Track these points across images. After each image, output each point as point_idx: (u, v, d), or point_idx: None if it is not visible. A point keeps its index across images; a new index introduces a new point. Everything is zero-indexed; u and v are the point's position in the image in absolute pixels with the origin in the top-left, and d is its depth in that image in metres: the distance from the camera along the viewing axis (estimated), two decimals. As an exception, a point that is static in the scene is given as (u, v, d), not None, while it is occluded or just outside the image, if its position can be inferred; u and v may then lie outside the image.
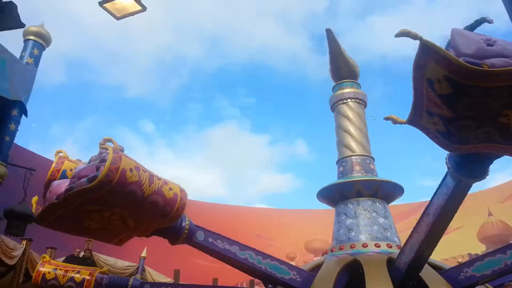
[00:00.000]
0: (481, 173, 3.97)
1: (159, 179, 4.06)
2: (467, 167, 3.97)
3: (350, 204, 7.45)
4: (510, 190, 25.79)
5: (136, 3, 5.67)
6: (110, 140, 3.85)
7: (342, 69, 8.59)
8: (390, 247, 6.65)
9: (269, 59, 59.37)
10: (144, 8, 5.74)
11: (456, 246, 22.01)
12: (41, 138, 50.88)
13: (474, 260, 5.59)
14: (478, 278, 5.34)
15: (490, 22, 4.17)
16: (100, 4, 5.59)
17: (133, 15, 5.81)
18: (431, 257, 5.61)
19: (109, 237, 4.53)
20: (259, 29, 54.38)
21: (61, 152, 5.31)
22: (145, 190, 3.77)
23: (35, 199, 5.06)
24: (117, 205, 3.87)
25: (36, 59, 7.27)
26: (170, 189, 4.11)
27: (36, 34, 7.34)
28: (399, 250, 6.57)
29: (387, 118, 3.91)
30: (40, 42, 7.38)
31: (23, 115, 6.90)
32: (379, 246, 6.61)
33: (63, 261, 8.92)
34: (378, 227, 7.02)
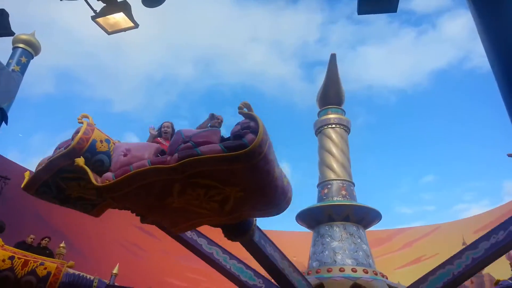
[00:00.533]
0: None
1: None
2: None
3: (322, 229, 7.52)
4: (483, 221, 26.39)
5: (128, 20, 5.71)
6: (86, 116, 4.09)
7: (331, 95, 8.79)
8: (355, 271, 6.70)
9: (259, 84, 60.45)
10: (136, 25, 5.78)
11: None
12: (21, 147, 49.96)
13: (427, 275, 5.75)
14: None
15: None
16: (93, 18, 5.62)
17: (125, 31, 5.84)
18: (404, 283, 5.72)
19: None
20: (252, 54, 55.58)
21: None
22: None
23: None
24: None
25: (23, 67, 7.19)
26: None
27: (25, 42, 7.29)
28: (364, 274, 6.65)
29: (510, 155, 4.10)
30: (29, 50, 7.31)
31: (3, 123, 6.77)
32: (343, 271, 6.68)
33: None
34: (347, 251, 7.08)
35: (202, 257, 5.97)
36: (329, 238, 7.16)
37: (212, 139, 3.64)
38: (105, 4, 5.58)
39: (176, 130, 4.34)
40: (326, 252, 6.98)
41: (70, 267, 5.70)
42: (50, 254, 10.02)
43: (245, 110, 3.74)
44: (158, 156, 3.94)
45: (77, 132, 3.90)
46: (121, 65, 54.31)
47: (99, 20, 5.66)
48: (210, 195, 3.74)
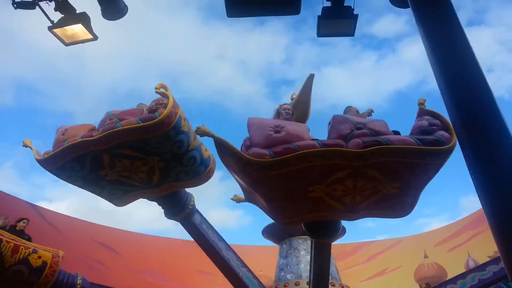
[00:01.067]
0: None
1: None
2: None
3: (295, 242, 7.53)
4: (443, 235, 27.37)
5: (87, 31, 5.59)
6: (164, 86, 3.74)
7: (298, 114, 8.89)
8: (333, 285, 6.76)
9: (226, 101, 60.73)
10: (95, 38, 5.67)
11: (394, 286, 22.67)
12: None
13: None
14: None
15: None
16: (50, 29, 5.48)
17: (83, 43, 5.71)
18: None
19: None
20: (218, 72, 55.94)
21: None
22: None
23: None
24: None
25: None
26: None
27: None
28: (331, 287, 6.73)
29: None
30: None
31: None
32: (298, 284, 6.73)
33: None
34: (306, 264, 7.13)
35: (217, 262, 5.87)
36: (303, 251, 7.19)
37: (386, 129, 3.69)
38: (63, 15, 5.47)
39: (335, 116, 4.30)
40: (302, 265, 6.99)
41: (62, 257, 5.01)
42: (29, 240, 7.74)
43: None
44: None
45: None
46: (83, 78, 52.94)
47: (56, 31, 5.53)
48: (365, 188, 3.71)
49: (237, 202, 4.30)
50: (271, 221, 7.95)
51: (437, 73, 3.15)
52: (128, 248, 28.69)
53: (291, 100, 9.43)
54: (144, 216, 51.41)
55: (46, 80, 52.18)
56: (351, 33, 5.14)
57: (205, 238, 5.57)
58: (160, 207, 4.71)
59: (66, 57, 48.38)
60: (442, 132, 3.64)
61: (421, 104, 3.94)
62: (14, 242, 4.18)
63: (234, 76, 56.47)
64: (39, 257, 3.91)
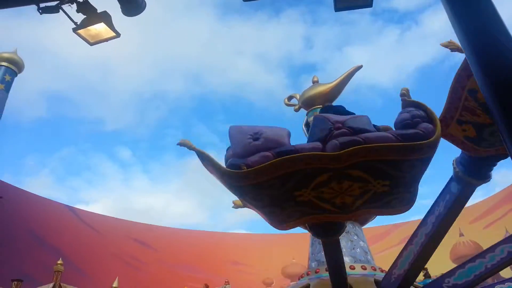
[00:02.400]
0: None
1: None
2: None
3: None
4: (478, 211, 26.64)
5: (110, 29, 5.68)
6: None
7: (325, 100, 8.81)
8: (375, 269, 6.70)
9: (248, 94, 61.01)
10: (118, 35, 5.76)
11: (430, 266, 22.30)
12: (14, 169, 50.07)
13: (455, 268, 5.69)
14: (460, 286, 5.45)
15: None
16: (74, 30, 5.59)
17: (107, 41, 5.81)
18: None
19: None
20: (238, 67, 56.21)
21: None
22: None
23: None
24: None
25: (8, 85, 7.16)
26: None
27: (8, 60, 7.27)
28: (362, 271, 6.65)
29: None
30: (12, 68, 7.30)
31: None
32: (365, 269, 6.65)
33: None
34: (360, 249, 7.07)
35: None
36: (348, 234, 7.12)
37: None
38: (85, 16, 5.55)
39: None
40: (357, 249, 6.92)
41: None
42: None
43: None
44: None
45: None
46: (109, 84, 54.77)
47: (81, 31, 5.63)
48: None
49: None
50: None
51: (464, 42, 3.00)
52: (162, 243, 29.37)
53: (313, 83, 9.30)
54: (177, 211, 52.67)
55: (75, 89, 54.22)
56: (369, 4, 4.85)
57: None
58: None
59: (92, 66, 50.15)
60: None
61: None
62: None
63: (254, 70, 56.56)
64: None
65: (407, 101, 3.74)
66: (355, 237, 7.33)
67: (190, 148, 3.64)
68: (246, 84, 63.14)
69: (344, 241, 7.28)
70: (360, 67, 9.03)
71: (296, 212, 3.76)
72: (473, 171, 4.29)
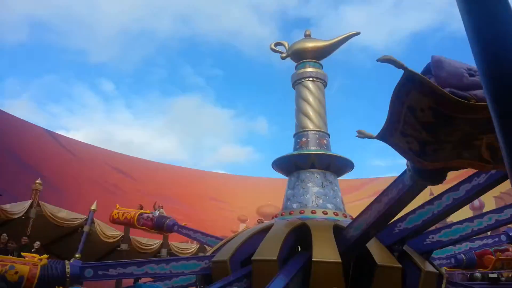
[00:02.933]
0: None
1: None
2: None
3: (302, 175, 7.77)
4: (450, 173, 27.63)
5: None
6: (117, 208, 3.70)
7: (313, 56, 8.72)
8: (337, 215, 7.07)
9: (237, 43, 59.42)
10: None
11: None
12: None
13: (407, 214, 6.03)
14: (410, 229, 5.88)
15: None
16: None
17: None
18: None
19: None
20: (230, 14, 54.09)
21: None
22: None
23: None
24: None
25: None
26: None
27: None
28: (343, 218, 7.02)
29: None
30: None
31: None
32: (326, 213, 7.02)
33: None
34: (328, 196, 7.41)
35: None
36: (310, 183, 7.49)
37: None
38: None
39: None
40: (308, 195, 7.30)
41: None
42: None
43: None
44: None
45: None
46: (95, 17, 52.42)
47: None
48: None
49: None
50: (279, 155, 8.14)
51: (463, 13, 2.88)
52: (142, 175, 29.77)
53: (305, 36, 9.20)
54: (159, 147, 53.09)
55: (59, 18, 51.84)
56: None
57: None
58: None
59: None
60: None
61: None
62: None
63: (247, 19, 54.71)
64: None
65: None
66: (336, 188, 7.67)
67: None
68: (237, 33, 61.50)
69: (328, 190, 7.60)
70: (357, 34, 8.94)
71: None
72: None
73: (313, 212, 7.05)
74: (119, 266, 5.76)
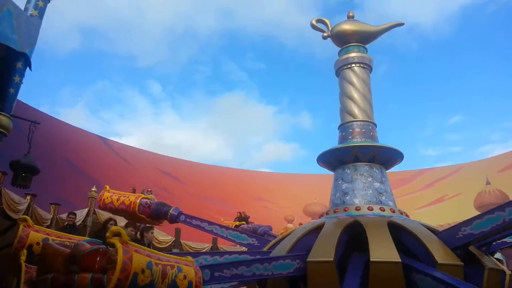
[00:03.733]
0: None
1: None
2: None
3: (347, 169, 7.55)
4: (508, 160, 25.98)
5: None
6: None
7: (358, 39, 8.44)
8: (383, 210, 6.79)
9: (278, 34, 59.56)
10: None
11: (453, 213, 22.44)
12: (51, 100, 52.39)
13: (473, 218, 5.68)
14: (476, 235, 5.49)
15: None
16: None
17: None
18: (425, 221, 5.75)
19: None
20: (271, 5, 54.17)
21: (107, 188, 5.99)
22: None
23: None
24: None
25: (41, 12, 7.15)
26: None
27: (40, -15, 7.22)
28: (392, 214, 6.74)
29: None
30: (45, -7, 7.26)
31: (28, 68, 6.87)
32: (372, 209, 6.76)
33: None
34: (373, 191, 7.14)
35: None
36: (370, 178, 7.19)
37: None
38: None
39: None
40: (355, 191, 7.05)
41: (146, 198, 7.18)
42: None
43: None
44: None
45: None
46: (142, 20, 54.74)
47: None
48: None
49: None
50: (325, 149, 7.97)
51: None
52: (190, 177, 30.45)
53: (348, 18, 8.89)
54: (205, 148, 54.23)
55: (109, 24, 54.55)
56: None
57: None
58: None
59: (126, 1, 49.98)
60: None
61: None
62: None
63: (287, 8, 54.43)
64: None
65: None
66: (369, 179, 7.35)
67: None
68: (278, 24, 61.37)
69: (357, 183, 7.33)
70: (401, 24, 8.65)
71: None
72: None
73: (357, 208, 6.84)
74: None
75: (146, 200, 7.93)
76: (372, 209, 6.81)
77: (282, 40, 59.77)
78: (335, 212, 7.27)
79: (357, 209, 6.96)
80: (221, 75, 59.49)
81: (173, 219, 7.85)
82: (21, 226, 4.39)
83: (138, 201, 7.76)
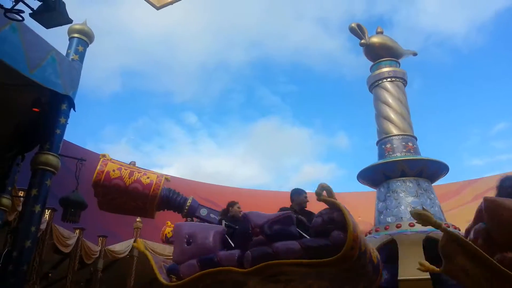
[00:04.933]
0: None
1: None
2: None
3: (393, 184, 7.32)
4: None
5: (174, -8, 5.72)
6: (104, 156, 5.12)
7: (384, 53, 8.36)
8: (412, 226, 6.53)
9: (307, 59, 60.66)
10: (183, -4, 5.77)
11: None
12: (96, 138, 55.78)
13: None
14: None
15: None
16: (141, -5, 5.70)
17: (172, 4, 5.87)
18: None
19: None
20: (298, 31, 55.68)
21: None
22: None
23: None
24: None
25: (81, 56, 7.60)
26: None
27: (79, 31, 7.67)
28: (427, 228, 6.46)
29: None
30: (84, 39, 7.70)
31: (72, 109, 7.24)
32: (413, 226, 6.51)
33: None
34: (406, 206, 6.89)
35: None
36: (403, 193, 6.99)
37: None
38: (149, -20, 5.62)
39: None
40: (402, 207, 6.82)
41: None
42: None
43: (324, 196, 3.24)
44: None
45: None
46: (175, 58, 58.20)
47: (147, -4, 5.72)
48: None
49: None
50: (362, 167, 7.81)
51: None
52: (227, 201, 30.58)
53: (376, 33, 8.87)
54: (243, 173, 54.77)
55: (145, 64, 58.32)
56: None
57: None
58: None
59: (159, 42, 53.82)
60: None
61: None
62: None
63: (314, 34, 55.38)
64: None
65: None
66: (432, 195, 7.04)
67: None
68: (305, 49, 62.29)
69: (423, 199, 7.04)
70: (415, 54, 8.64)
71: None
72: None
73: (398, 226, 6.61)
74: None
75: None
76: (413, 225, 6.54)
77: (311, 65, 60.50)
78: (376, 231, 7.08)
79: (398, 226, 6.74)
80: (255, 100, 60.83)
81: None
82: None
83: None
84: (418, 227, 6.61)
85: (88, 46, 7.72)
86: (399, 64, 8.45)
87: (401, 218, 6.78)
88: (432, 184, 7.71)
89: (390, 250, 6.16)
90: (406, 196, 7.08)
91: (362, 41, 8.84)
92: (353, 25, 8.94)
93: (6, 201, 8.47)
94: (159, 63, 57.17)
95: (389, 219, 6.93)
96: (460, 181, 28.57)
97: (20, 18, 4.35)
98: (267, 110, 62.30)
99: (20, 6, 4.27)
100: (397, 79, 8.23)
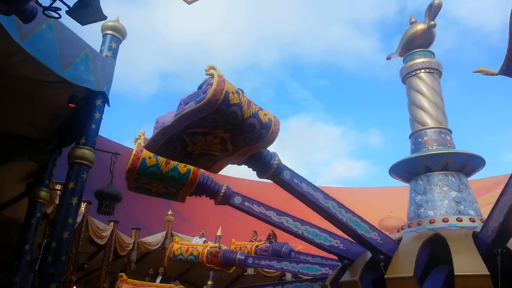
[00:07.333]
0: None
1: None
2: None
3: (420, 180, 7.14)
4: None
5: (205, -12, 5.74)
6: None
7: (419, 37, 8.07)
8: (460, 220, 6.30)
9: (340, 60, 60.26)
10: (212, -7, 5.81)
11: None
12: (131, 135, 58.13)
13: None
14: None
15: None
16: (172, -9, 5.76)
17: (202, -1, 5.89)
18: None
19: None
20: (330, 33, 55.48)
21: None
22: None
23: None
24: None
25: (114, 52, 7.78)
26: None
27: (112, 28, 7.85)
28: (472, 223, 6.22)
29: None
30: (117, 36, 7.87)
31: (106, 105, 7.44)
32: (461, 221, 6.30)
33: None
34: (467, 201, 6.66)
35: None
36: (446, 187, 6.77)
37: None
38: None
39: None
40: (446, 201, 6.60)
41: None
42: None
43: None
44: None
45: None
46: (211, 61, 59.65)
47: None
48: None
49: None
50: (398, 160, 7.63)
51: None
52: (262, 198, 30.54)
53: (411, 23, 8.57)
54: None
55: (181, 68, 60.04)
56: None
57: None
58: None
59: (196, 47, 55.57)
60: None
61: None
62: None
63: (346, 35, 54.90)
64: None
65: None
66: (445, 188, 6.82)
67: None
68: (337, 50, 61.79)
69: (465, 193, 6.80)
70: (433, 26, 8.28)
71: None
72: None
73: (444, 220, 6.40)
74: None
75: (214, 249, 8.46)
76: (447, 221, 6.34)
77: (343, 66, 60.10)
78: (409, 226, 6.90)
79: (431, 221, 6.54)
80: (286, 96, 61.10)
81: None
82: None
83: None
84: (466, 222, 6.38)
85: (121, 42, 7.88)
86: (434, 54, 8.16)
87: (446, 212, 6.54)
88: (469, 178, 7.46)
89: (434, 250, 5.95)
90: (449, 191, 6.83)
91: (389, 55, 8.83)
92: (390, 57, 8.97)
93: (44, 194, 8.82)
94: (194, 66, 59.57)
95: (431, 213, 6.70)
96: (494, 176, 27.57)
97: (57, 16, 4.49)
98: (298, 106, 62.36)
99: (57, 4, 4.42)
100: (432, 70, 7.95)
